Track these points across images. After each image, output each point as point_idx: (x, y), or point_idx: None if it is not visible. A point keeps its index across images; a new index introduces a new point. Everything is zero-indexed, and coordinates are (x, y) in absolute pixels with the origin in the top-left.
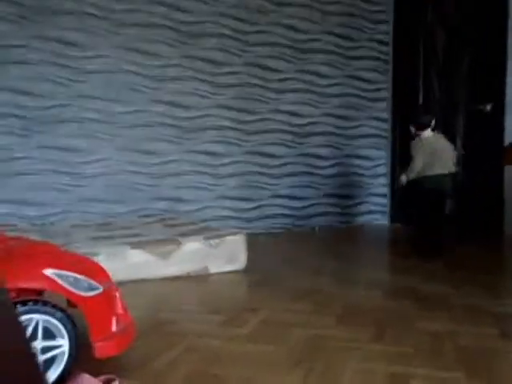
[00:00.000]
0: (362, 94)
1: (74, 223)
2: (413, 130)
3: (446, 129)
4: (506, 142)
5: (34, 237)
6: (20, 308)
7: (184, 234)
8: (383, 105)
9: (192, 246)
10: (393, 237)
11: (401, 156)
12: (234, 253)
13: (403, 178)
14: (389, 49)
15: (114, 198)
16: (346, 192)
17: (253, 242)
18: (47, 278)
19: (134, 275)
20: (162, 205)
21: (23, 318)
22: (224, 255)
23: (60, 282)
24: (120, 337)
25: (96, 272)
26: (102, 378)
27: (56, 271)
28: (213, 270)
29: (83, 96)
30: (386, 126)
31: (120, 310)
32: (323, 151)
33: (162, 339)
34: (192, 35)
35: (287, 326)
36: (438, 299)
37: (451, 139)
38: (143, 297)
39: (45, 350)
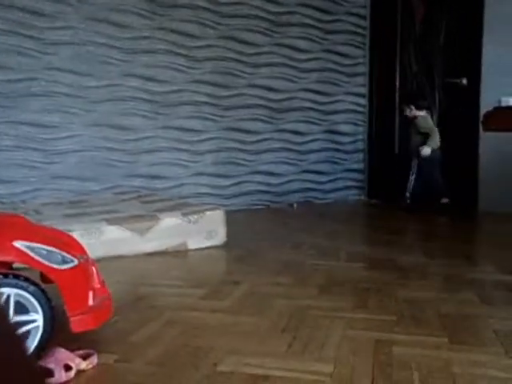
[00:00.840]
0: (340, 68)
1: (46, 201)
2: (410, 109)
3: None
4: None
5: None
6: None
7: (162, 210)
8: (361, 79)
9: (170, 221)
10: (371, 212)
11: (377, 132)
12: (213, 228)
13: (427, 150)
14: (366, 22)
15: (88, 175)
16: (323, 168)
17: (231, 218)
18: (17, 249)
19: (111, 252)
20: (137, 182)
21: None
22: (203, 230)
23: (32, 254)
24: (97, 311)
25: (70, 245)
26: (80, 352)
27: (27, 243)
28: (192, 245)
29: (51, 69)
30: (364, 101)
31: (97, 284)
32: (301, 127)
33: (141, 313)
34: (164, 6)
35: (270, 297)
36: (416, 269)
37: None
38: (121, 273)
39: (18, 324)
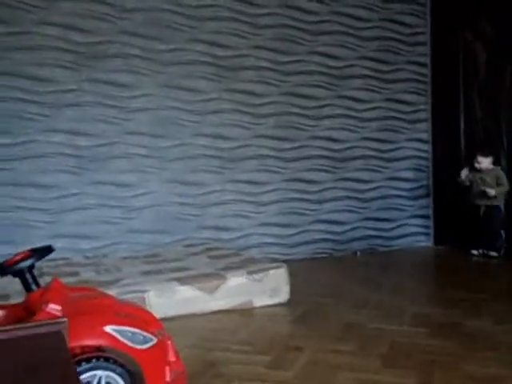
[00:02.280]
0: (401, 116)
1: (124, 256)
2: (483, 160)
3: (489, 148)
4: None
5: (87, 272)
6: (85, 365)
7: (228, 268)
8: (423, 126)
9: (236, 280)
10: (437, 261)
11: (443, 177)
12: (276, 286)
13: (492, 191)
14: (427, 70)
15: (161, 229)
16: (387, 215)
17: (295, 268)
18: (108, 334)
19: (183, 310)
20: (206, 233)
21: (88, 374)
22: (267, 289)
23: (119, 337)
24: None
25: (149, 322)
26: None
27: (115, 327)
28: (257, 303)
29: (131, 133)
30: (427, 147)
31: (172, 358)
32: (363, 175)
33: (212, 383)
34: (231, 69)
35: (332, 368)
36: (484, 337)
37: (497, 160)
38: (192, 334)
39: None
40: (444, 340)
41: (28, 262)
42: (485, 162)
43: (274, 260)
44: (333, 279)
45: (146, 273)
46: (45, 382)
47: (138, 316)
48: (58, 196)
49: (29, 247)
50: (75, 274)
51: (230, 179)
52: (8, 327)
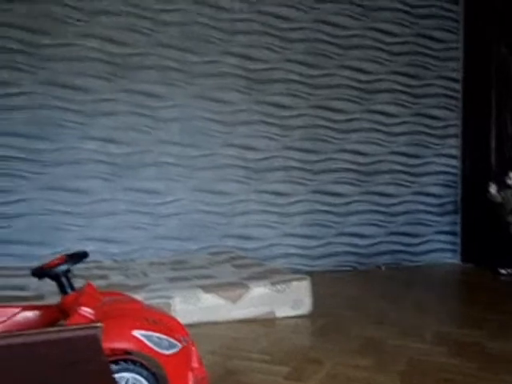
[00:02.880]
0: (430, 131)
1: (152, 261)
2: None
3: None
4: None
5: (115, 276)
6: (114, 367)
7: (252, 277)
8: (453, 141)
9: (259, 290)
10: (463, 279)
11: (471, 193)
12: (299, 298)
13: None
14: (459, 85)
15: (187, 236)
16: (413, 230)
17: (318, 280)
18: (136, 338)
19: (206, 318)
20: (231, 242)
21: (116, 376)
22: (290, 300)
23: (146, 342)
24: None
25: (174, 328)
26: None
27: (143, 332)
28: (279, 314)
29: (162, 142)
30: (455, 162)
31: (196, 364)
32: (389, 189)
33: None
34: (261, 82)
35: (350, 382)
36: (506, 359)
37: None
38: (214, 341)
39: None
40: (463, 360)
41: (64, 267)
42: None
43: (298, 271)
44: (355, 293)
45: (172, 279)
46: (82, 382)
47: (164, 322)
48: (90, 201)
49: (62, 249)
50: (105, 277)
51: (255, 189)
52: (47, 329)
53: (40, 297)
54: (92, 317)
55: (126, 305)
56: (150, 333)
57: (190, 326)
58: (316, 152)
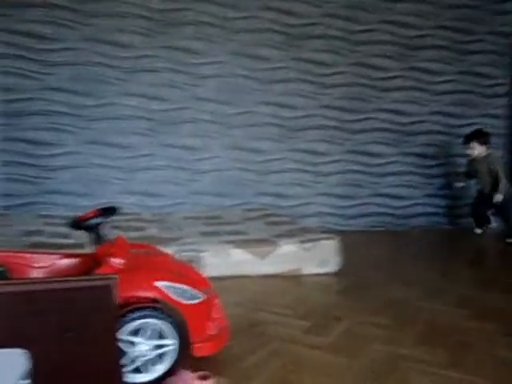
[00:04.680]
0: (477, 90)
1: (187, 215)
2: (476, 145)
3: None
4: None
5: (152, 229)
6: (138, 313)
7: (281, 235)
8: (501, 101)
9: (287, 248)
10: (499, 244)
11: None
12: (326, 256)
13: (499, 197)
14: (508, 40)
15: (222, 192)
16: (451, 193)
17: (350, 240)
18: (158, 289)
19: (235, 271)
20: (265, 199)
21: (141, 321)
22: (317, 258)
23: (169, 292)
24: (215, 339)
25: (198, 281)
26: (199, 373)
27: (166, 283)
28: (305, 271)
29: (199, 99)
30: (503, 123)
31: (217, 315)
32: (428, 150)
33: (253, 341)
34: (300, 38)
35: (367, 339)
36: None
37: None
38: (241, 294)
39: (158, 347)
40: (483, 323)
41: (97, 220)
42: (478, 149)
43: (330, 230)
44: (385, 254)
45: (205, 234)
46: (91, 328)
47: (189, 275)
48: (131, 156)
49: (104, 201)
50: (141, 229)
51: (291, 148)
52: (67, 278)
53: (80, 245)
54: (120, 267)
55: (155, 257)
56: (173, 284)
57: (219, 278)
58: (354, 111)
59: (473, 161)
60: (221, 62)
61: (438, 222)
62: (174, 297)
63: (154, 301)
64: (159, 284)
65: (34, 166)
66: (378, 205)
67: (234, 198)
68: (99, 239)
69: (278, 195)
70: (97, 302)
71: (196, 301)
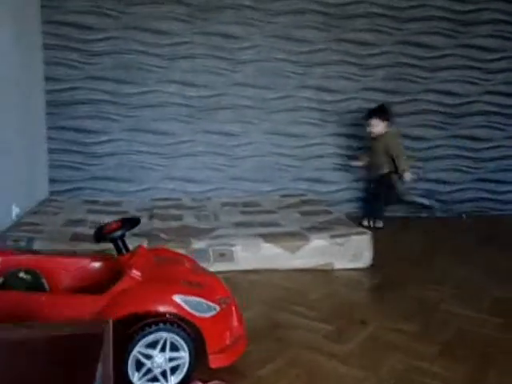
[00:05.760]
0: None
1: (225, 201)
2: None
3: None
4: None
5: (189, 217)
6: (153, 327)
7: (313, 228)
8: None
9: (318, 242)
10: None
11: None
12: (358, 252)
13: (408, 175)
14: None
15: (261, 178)
16: (503, 177)
17: (392, 226)
18: (176, 303)
19: (266, 265)
20: (304, 185)
21: (155, 335)
22: (349, 253)
23: (185, 306)
24: (232, 349)
25: (217, 290)
26: (214, 383)
27: (183, 297)
28: (337, 265)
29: (238, 84)
30: None
31: (235, 323)
32: (479, 132)
33: (272, 346)
34: (341, 17)
35: (388, 349)
36: None
37: None
38: (267, 290)
39: (171, 359)
40: None
41: (120, 233)
42: (378, 126)
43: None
44: (425, 244)
45: (238, 224)
46: (80, 380)
47: (206, 283)
48: (172, 142)
49: (147, 186)
50: (179, 218)
51: (331, 132)
52: (50, 324)
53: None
54: (140, 279)
55: (173, 266)
56: (189, 297)
57: (250, 271)
58: (399, 93)
59: (373, 139)
60: (259, 46)
61: (487, 208)
62: (191, 310)
63: (171, 314)
64: (176, 297)
65: (79, 152)
66: (424, 190)
67: (272, 183)
68: (122, 249)
69: (316, 180)
70: (85, 354)
71: (212, 313)
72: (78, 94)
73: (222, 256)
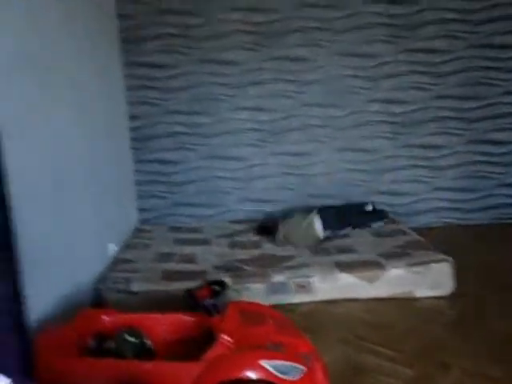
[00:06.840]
0: None
1: None
2: None
3: None
4: None
5: (268, 243)
6: None
7: (389, 255)
8: None
9: (396, 271)
10: None
11: None
12: (438, 280)
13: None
14: None
15: (335, 193)
16: None
17: (472, 236)
18: (264, 368)
19: (344, 295)
20: (380, 198)
21: None
22: (428, 281)
23: (273, 371)
24: None
25: (300, 346)
26: None
27: (270, 362)
28: (418, 294)
29: (306, 105)
30: None
31: (320, 380)
32: None
33: None
34: (408, 28)
35: None
36: None
37: None
38: (347, 325)
39: None
40: None
41: (211, 301)
42: None
43: (449, 225)
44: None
45: (315, 252)
46: None
47: (290, 343)
48: (245, 166)
49: (224, 209)
50: (258, 245)
51: (403, 144)
52: None
53: (204, 272)
54: (231, 346)
55: (258, 327)
56: (275, 362)
57: (328, 302)
58: (475, 98)
59: None
60: (325, 65)
61: None
62: (279, 375)
63: (260, 380)
64: (263, 363)
65: (162, 182)
66: (506, 196)
67: (345, 198)
68: (212, 313)
69: (392, 193)
70: None
71: (299, 374)
72: (158, 128)
73: (302, 287)
